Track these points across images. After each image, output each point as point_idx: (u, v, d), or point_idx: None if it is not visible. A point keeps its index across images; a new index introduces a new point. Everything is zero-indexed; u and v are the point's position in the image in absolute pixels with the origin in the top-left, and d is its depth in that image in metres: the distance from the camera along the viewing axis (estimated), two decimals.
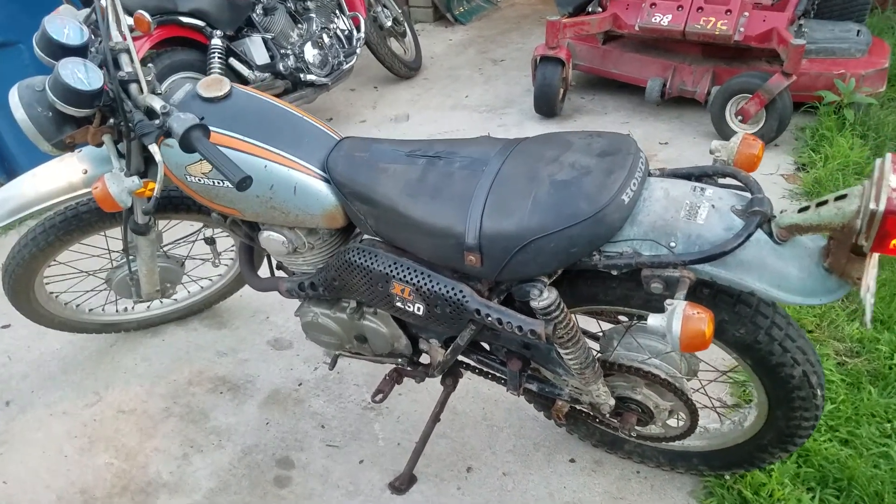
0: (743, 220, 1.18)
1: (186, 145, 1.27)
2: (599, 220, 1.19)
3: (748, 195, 1.23)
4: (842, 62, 3.60)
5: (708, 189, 1.25)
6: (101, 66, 1.43)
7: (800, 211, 1.14)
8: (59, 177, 1.71)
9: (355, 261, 1.51)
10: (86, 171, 1.71)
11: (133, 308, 2.43)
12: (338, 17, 4.15)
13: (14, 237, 3.12)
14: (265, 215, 1.54)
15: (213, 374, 2.30)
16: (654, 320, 1.14)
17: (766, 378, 1.37)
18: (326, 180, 1.49)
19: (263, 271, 2.03)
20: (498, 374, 1.69)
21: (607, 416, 1.60)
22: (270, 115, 1.52)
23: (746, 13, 3.44)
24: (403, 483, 1.84)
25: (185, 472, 1.95)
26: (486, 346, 1.69)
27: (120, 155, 1.60)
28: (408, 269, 1.45)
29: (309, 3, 3.96)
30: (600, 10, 3.91)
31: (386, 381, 1.81)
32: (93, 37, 1.52)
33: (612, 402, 1.53)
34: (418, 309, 1.47)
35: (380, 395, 1.78)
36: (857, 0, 4.04)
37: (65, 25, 1.46)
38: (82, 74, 1.39)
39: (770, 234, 1.17)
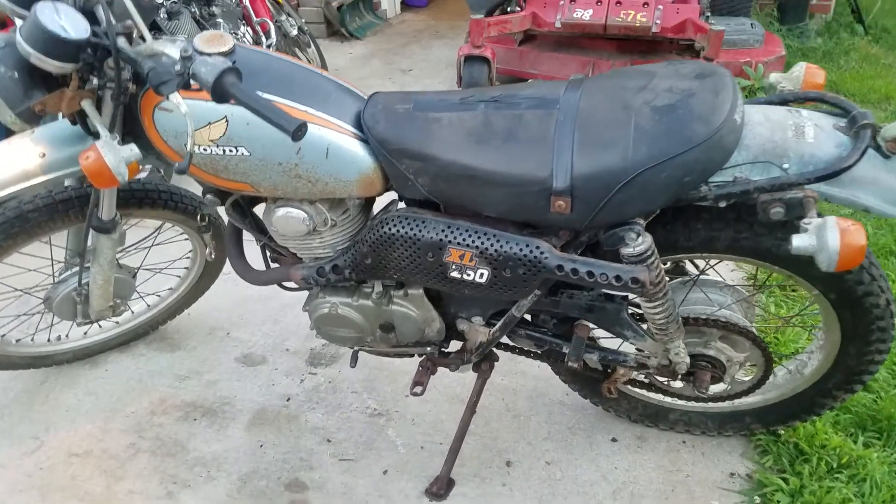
0: (850, 136, 1.14)
1: (220, 93, 1.05)
2: (716, 143, 1.10)
3: (839, 116, 1.19)
4: (745, 52, 3.86)
5: (803, 111, 1.20)
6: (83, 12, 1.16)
7: None
8: (9, 163, 1.37)
9: (397, 232, 1.33)
10: (44, 155, 1.39)
11: (68, 336, 2.04)
12: (244, 24, 3.89)
13: None
14: (286, 187, 1.32)
15: (179, 400, 1.97)
16: (800, 240, 1.07)
17: (849, 311, 1.34)
18: (362, 140, 1.30)
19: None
20: (548, 349, 1.55)
21: (679, 377, 1.50)
22: (286, 70, 1.31)
23: (661, 6, 3.59)
24: (442, 487, 1.64)
25: None
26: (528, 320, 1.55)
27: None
28: (467, 231, 1.29)
29: (214, 9, 3.68)
30: (518, 9, 3.94)
31: (422, 372, 1.61)
32: None
33: (688, 359, 1.44)
34: (481, 276, 1.31)
35: (419, 388, 1.58)
36: None
37: None
38: (63, 21, 1.12)
39: (877, 149, 1.14)
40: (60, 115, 1.29)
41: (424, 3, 6.85)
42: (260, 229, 1.58)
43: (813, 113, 1.21)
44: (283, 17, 4.26)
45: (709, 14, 3.88)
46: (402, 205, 1.44)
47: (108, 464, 1.76)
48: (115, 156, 1.18)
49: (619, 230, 1.20)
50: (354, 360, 1.68)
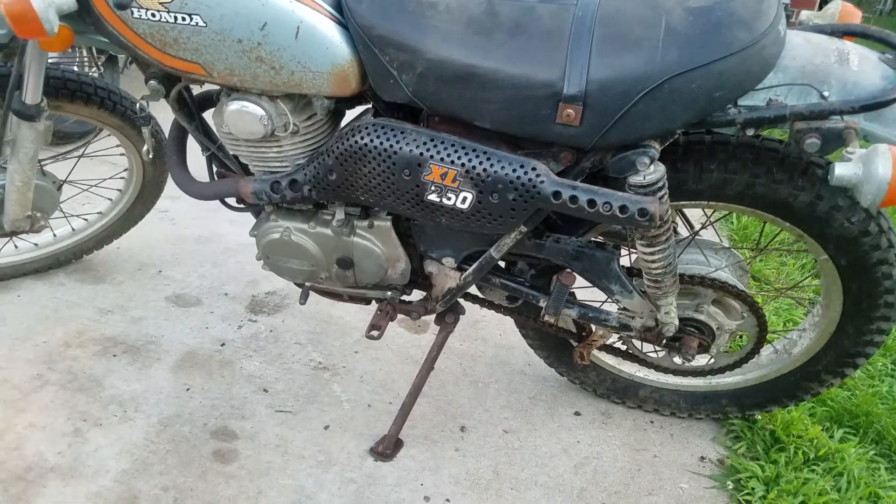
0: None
1: None
2: (757, 53, 0.95)
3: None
4: None
5: (846, 41, 1.08)
6: None
7: None
8: None
9: (370, 143, 1.14)
10: None
11: None
12: None
13: None
14: (244, 72, 1.12)
15: (99, 334, 1.74)
16: (843, 168, 0.93)
17: (857, 281, 1.22)
18: (341, 25, 1.12)
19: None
20: (523, 302, 1.39)
21: (663, 341, 1.36)
22: None
23: None
24: (389, 447, 1.47)
25: (80, 452, 1.40)
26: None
27: None
28: (453, 146, 1.11)
29: None
30: None
31: (380, 315, 1.42)
32: None
33: (677, 321, 1.30)
34: (463, 200, 1.14)
35: (376, 332, 1.39)
36: None
37: None
38: None
39: None
40: None
41: None
42: (208, 137, 1.38)
43: (856, 44, 1.08)
44: None
45: None
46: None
47: (8, 393, 1.52)
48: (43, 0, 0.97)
49: (630, 153, 1.04)
50: (305, 296, 1.49)
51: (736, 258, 1.35)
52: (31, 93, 1.30)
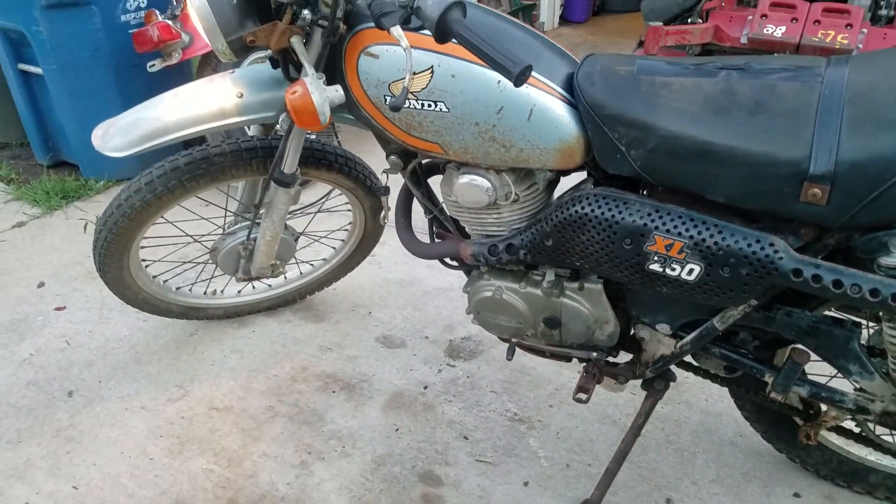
0: None
1: (444, 29, 0.96)
2: None
3: None
4: None
5: None
6: None
7: None
8: (209, 99, 1.37)
9: (591, 212, 1.17)
10: (241, 95, 1.38)
11: (223, 292, 2.06)
12: None
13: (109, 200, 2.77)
14: (477, 150, 1.21)
15: (320, 370, 1.93)
16: None
17: None
18: (570, 104, 1.17)
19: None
20: (744, 374, 1.34)
21: None
22: (498, 23, 1.21)
23: (865, 29, 3.23)
24: None
25: (307, 484, 1.56)
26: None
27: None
28: (681, 217, 1.11)
29: None
30: (700, 21, 3.70)
31: (587, 378, 1.44)
32: None
33: None
34: (690, 272, 1.13)
35: (583, 395, 1.41)
36: None
37: None
38: None
39: None
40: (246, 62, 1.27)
41: (583, 18, 6.71)
42: (431, 201, 1.49)
43: None
44: None
45: None
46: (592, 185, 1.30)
47: (246, 423, 1.73)
48: (320, 94, 1.13)
49: (882, 234, 0.98)
50: (511, 352, 1.55)
51: None
52: (290, 164, 1.49)
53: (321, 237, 2.06)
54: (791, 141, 0.98)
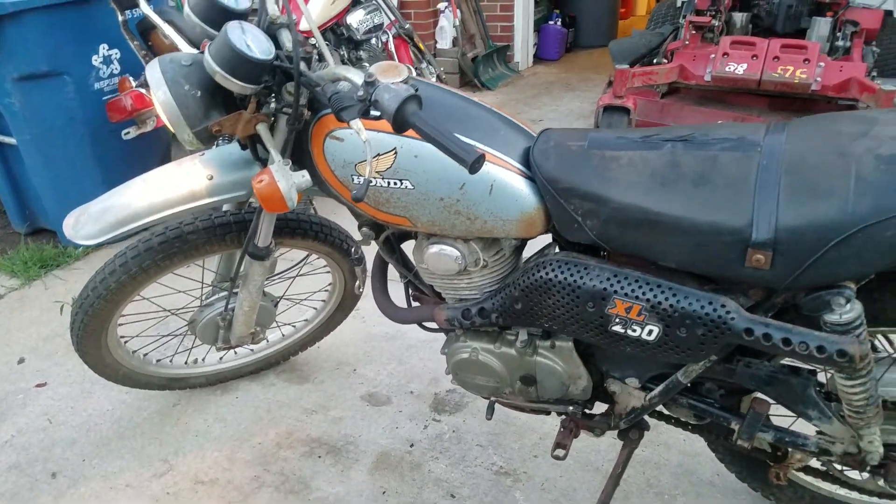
0: None
1: (401, 121, 1.01)
2: None
3: None
4: None
5: None
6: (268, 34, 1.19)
7: None
8: (178, 183, 1.42)
9: (555, 277, 1.23)
10: (211, 178, 1.43)
11: (204, 360, 2.08)
12: None
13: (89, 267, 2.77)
14: (444, 223, 1.27)
15: (305, 435, 1.94)
16: None
17: None
18: (528, 178, 1.23)
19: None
20: (711, 423, 1.38)
21: (867, 468, 1.29)
22: (456, 103, 1.28)
23: (823, 63, 3.36)
24: None
25: None
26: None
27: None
28: (638, 281, 1.17)
29: (362, 53, 3.82)
30: (665, 61, 3.82)
31: (564, 433, 1.48)
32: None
33: (882, 449, 1.23)
34: (650, 333, 1.18)
35: (561, 451, 1.45)
36: None
37: None
38: (250, 42, 1.14)
39: None
40: (220, 141, 1.32)
41: (556, 56, 6.88)
42: (406, 266, 1.54)
43: None
44: (424, 65, 4.37)
45: (874, 74, 3.61)
46: (556, 249, 1.36)
47: (232, 495, 1.74)
48: (287, 181, 1.18)
49: (825, 293, 1.04)
50: (490, 411, 1.58)
51: None
52: (264, 238, 1.54)
53: (302, 300, 2.09)
54: (733, 210, 1.04)
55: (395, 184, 1.24)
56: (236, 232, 1.61)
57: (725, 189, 1.06)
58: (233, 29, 1.12)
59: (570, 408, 1.49)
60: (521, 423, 1.95)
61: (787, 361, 1.28)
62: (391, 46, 4.04)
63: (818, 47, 3.39)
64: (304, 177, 1.20)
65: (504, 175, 1.21)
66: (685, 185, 1.09)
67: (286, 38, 1.25)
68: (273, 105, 1.25)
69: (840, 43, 3.83)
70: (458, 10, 5.75)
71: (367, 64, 3.76)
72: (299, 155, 1.34)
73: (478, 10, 6.21)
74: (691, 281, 1.16)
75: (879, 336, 1.36)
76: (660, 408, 1.45)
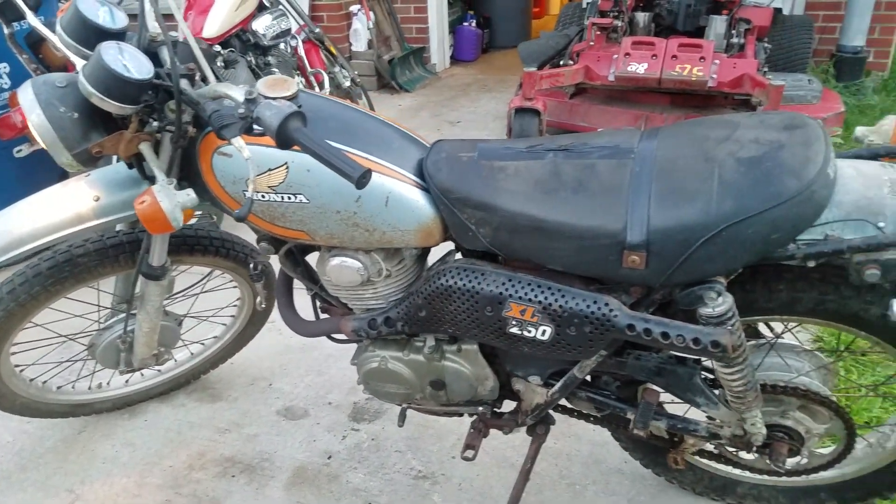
0: None
1: (284, 138, 1.01)
2: (808, 199, 1.01)
3: None
4: (803, 108, 3.74)
5: None
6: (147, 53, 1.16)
7: None
8: (63, 206, 1.36)
9: (454, 284, 1.26)
10: (98, 199, 1.38)
11: (109, 384, 2.01)
12: (299, 75, 3.97)
13: None
14: (343, 236, 1.27)
15: (218, 454, 1.91)
16: None
17: None
18: (423, 189, 1.26)
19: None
20: (610, 414, 1.44)
21: (753, 448, 1.37)
22: (349, 117, 1.28)
23: (718, 61, 3.54)
24: None
25: None
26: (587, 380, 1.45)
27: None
28: (530, 285, 1.21)
29: (270, 59, 3.76)
30: (571, 63, 3.93)
31: (473, 434, 1.51)
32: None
33: (765, 430, 1.32)
34: (543, 333, 1.22)
35: (470, 451, 1.48)
36: (798, 53, 4.29)
37: (98, 7, 1.19)
38: (127, 61, 1.11)
39: None
40: (115, 158, 1.28)
41: (473, 57, 6.96)
42: (311, 278, 1.54)
43: None
44: (337, 69, 4.34)
45: (766, 70, 3.82)
46: (458, 255, 1.38)
47: None
48: (170, 200, 1.16)
49: (697, 289, 1.11)
50: (402, 418, 1.60)
51: (819, 360, 1.35)
52: (158, 256, 1.50)
53: (209, 317, 2.05)
54: (609, 215, 1.09)
55: (290, 198, 1.23)
56: (130, 252, 1.56)
57: (602, 195, 1.11)
58: (107, 49, 1.09)
59: (480, 408, 1.53)
60: (440, 426, 1.97)
61: (674, 353, 1.36)
62: (301, 51, 4.00)
63: (713, 45, 3.57)
64: (188, 195, 1.18)
65: (399, 187, 1.23)
66: (566, 192, 1.14)
67: (167, 54, 1.22)
68: (156, 124, 1.22)
69: (735, 40, 4.03)
70: (371, 13, 5.74)
71: (275, 70, 3.71)
72: (190, 170, 1.32)
73: (391, 12, 6.22)
74: (579, 282, 1.21)
75: (761, 324, 1.45)
76: (564, 402, 1.50)
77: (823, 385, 1.35)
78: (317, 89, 3.98)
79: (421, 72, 6.38)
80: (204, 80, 1.19)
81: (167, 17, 1.18)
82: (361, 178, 1.00)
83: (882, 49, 5.13)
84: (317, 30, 4.17)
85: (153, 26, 1.24)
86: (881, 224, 1.04)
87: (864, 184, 1.07)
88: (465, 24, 6.94)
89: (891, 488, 1.44)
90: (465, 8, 7.16)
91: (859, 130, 1.24)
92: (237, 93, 1.09)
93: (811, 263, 1.07)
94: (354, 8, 5.77)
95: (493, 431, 1.89)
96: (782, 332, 1.37)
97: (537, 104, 3.65)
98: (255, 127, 1.06)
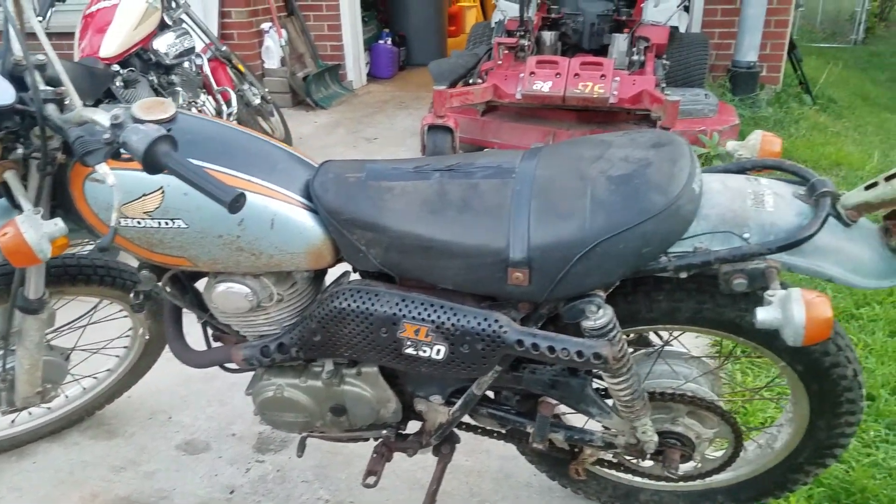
0: (810, 204, 1.11)
1: (151, 162, 0.97)
2: (674, 213, 1.05)
3: (798, 184, 1.17)
4: (700, 121, 3.95)
5: (762, 179, 1.18)
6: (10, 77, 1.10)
7: (867, 188, 1.08)
8: None
9: (348, 306, 1.24)
10: None
11: None
12: (205, 93, 3.87)
13: None
14: (227, 261, 1.23)
15: (113, 495, 1.80)
16: (765, 314, 1.01)
17: (816, 383, 1.27)
18: (311, 210, 1.23)
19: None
20: (512, 429, 1.45)
21: (647, 456, 1.41)
22: (231, 138, 1.25)
23: (618, 78, 3.68)
24: None
25: None
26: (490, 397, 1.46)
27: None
28: (423, 304, 1.21)
29: (174, 77, 3.65)
30: (480, 81, 4.00)
31: (375, 460, 1.49)
32: None
33: (656, 437, 1.35)
34: (438, 352, 1.22)
35: (372, 478, 1.45)
36: (695, 69, 4.52)
37: None
38: None
39: (838, 217, 1.11)
40: None
41: (389, 74, 6.98)
42: (201, 305, 1.48)
43: (772, 181, 1.18)
44: (246, 87, 4.26)
45: (664, 85, 4.00)
46: (354, 276, 1.37)
47: None
48: (36, 231, 1.09)
49: (578, 303, 1.13)
50: (301, 448, 1.56)
51: (706, 366, 1.41)
52: (35, 289, 1.41)
53: (98, 350, 1.94)
54: (493, 233, 1.11)
55: (167, 224, 1.18)
56: (3, 285, 1.46)
57: (485, 214, 1.12)
58: None
59: (384, 431, 1.51)
60: (349, 452, 1.94)
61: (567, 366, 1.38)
62: (207, 69, 3.90)
63: (612, 63, 3.71)
64: (56, 225, 1.12)
65: (285, 209, 1.20)
66: (452, 211, 1.14)
67: (30, 78, 1.16)
68: (20, 151, 1.15)
69: (636, 57, 4.21)
70: (283, 30, 5.67)
71: (179, 89, 3.60)
72: (62, 201, 1.25)
73: (304, 30, 6.17)
74: (471, 300, 1.22)
75: (652, 333, 1.50)
76: (469, 419, 1.50)
77: (711, 390, 1.40)
78: (224, 108, 3.88)
79: (337, 89, 6.35)
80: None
81: (30, 37, 1.12)
82: (234, 202, 0.97)
83: (774, 63, 5.47)
84: (223, 48, 4.09)
85: (17, 49, 1.17)
86: (746, 235, 1.09)
87: (730, 197, 1.13)
88: (381, 41, 6.96)
89: (781, 487, 1.51)
90: (381, 26, 7.19)
91: (730, 145, 1.30)
92: (103, 117, 1.04)
93: (683, 275, 1.11)
94: (266, 26, 5.69)
95: (400, 454, 1.89)
96: (667, 341, 1.42)
97: (449, 122, 3.69)
98: (122, 153, 1.02)
